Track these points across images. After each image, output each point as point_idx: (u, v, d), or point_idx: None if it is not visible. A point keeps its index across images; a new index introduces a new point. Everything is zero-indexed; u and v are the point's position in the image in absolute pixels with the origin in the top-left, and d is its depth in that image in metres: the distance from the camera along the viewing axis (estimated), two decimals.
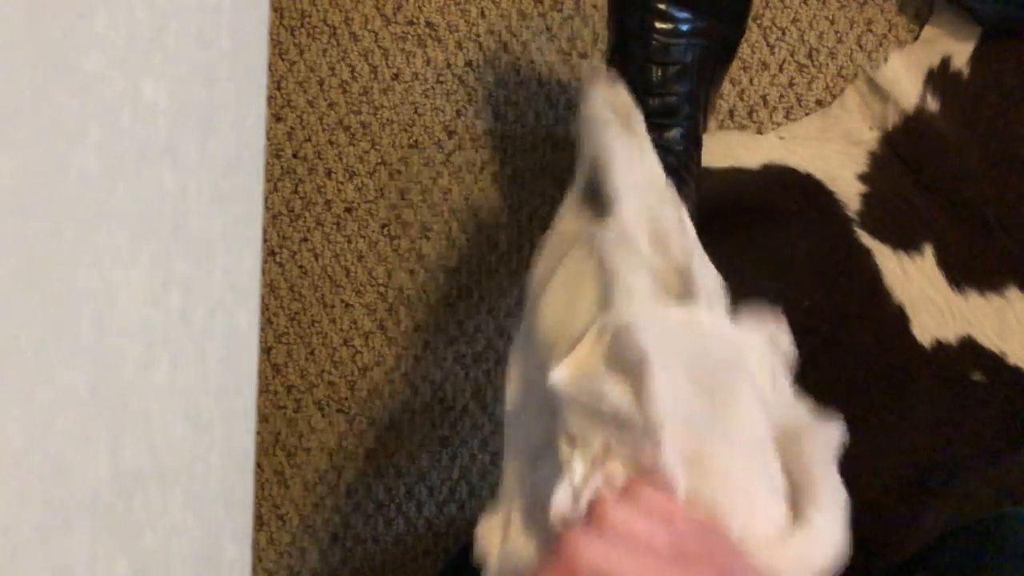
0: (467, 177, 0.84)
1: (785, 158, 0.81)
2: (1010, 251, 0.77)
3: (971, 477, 0.74)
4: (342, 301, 0.84)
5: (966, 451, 0.74)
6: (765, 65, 0.84)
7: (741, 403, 0.40)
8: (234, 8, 0.39)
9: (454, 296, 0.83)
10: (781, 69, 0.84)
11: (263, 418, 0.83)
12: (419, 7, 0.86)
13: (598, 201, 0.48)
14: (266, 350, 0.84)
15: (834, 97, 0.83)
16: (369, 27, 0.87)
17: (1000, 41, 0.80)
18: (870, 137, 0.81)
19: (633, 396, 0.37)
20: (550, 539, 0.37)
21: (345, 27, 0.87)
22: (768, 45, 0.84)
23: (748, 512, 0.37)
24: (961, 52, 0.81)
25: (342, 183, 0.85)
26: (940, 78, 0.80)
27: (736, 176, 0.80)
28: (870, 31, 0.83)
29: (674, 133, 0.64)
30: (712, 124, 0.82)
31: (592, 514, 0.37)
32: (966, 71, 0.80)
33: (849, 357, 0.76)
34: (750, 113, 0.84)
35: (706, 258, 0.47)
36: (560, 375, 0.39)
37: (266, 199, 0.85)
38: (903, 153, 0.80)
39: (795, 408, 0.42)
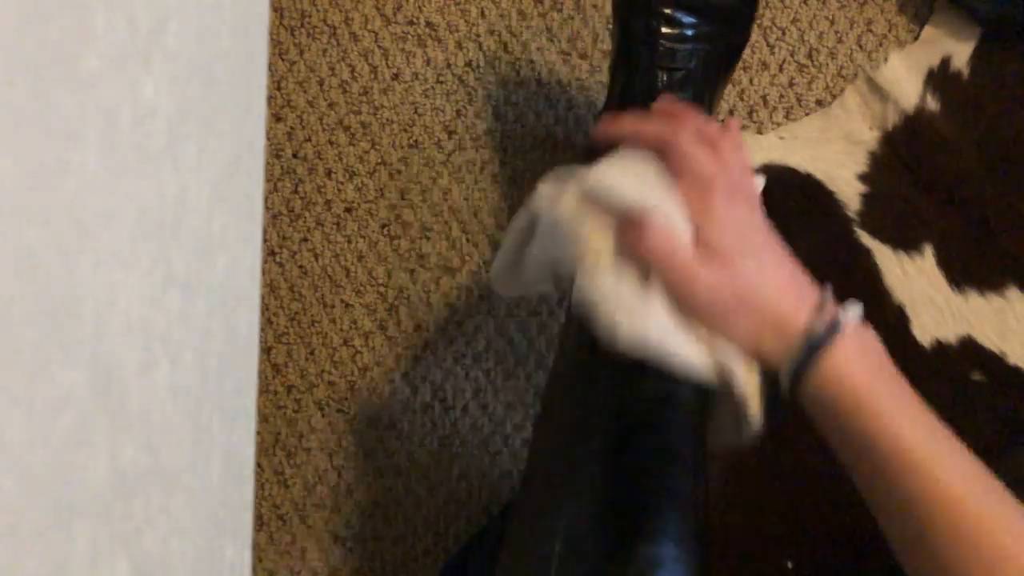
0: (467, 177, 0.84)
1: (785, 158, 0.81)
2: (1010, 251, 0.77)
3: None
4: (342, 301, 0.84)
5: None
6: (765, 65, 0.84)
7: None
8: (234, 8, 0.39)
9: (454, 296, 0.83)
10: (781, 69, 0.84)
11: (263, 418, 0.83)
12: (419, 7, 0.86)
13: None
14: (266, 350, 0.84)
15: (834, 97, 0.83)
16: (369, 27, 0.87)
17: (1000, 41, 0.80)
18: (870, 137, 0.81)
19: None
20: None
21: (345, 27, 0.87)
22: (768, 45, 0.84)
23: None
24: (961, 52, 0.81)
25: (342, 183, 0.85)
26: (940, 78, 0.81)
27: None
28: (870, 31, 0.83)
29: None
30: None
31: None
32: (966, 71, 0.80)
33: None
34: (750, 113, 0.84)
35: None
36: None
37: (266, 199, 0.85)
38: (903, 153, 0.80)
39: None
